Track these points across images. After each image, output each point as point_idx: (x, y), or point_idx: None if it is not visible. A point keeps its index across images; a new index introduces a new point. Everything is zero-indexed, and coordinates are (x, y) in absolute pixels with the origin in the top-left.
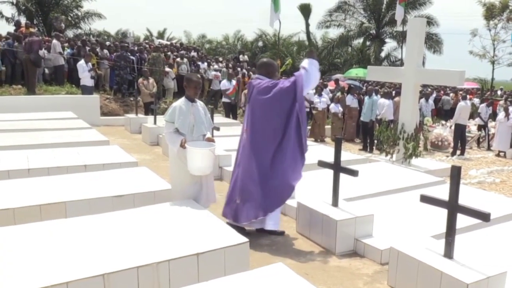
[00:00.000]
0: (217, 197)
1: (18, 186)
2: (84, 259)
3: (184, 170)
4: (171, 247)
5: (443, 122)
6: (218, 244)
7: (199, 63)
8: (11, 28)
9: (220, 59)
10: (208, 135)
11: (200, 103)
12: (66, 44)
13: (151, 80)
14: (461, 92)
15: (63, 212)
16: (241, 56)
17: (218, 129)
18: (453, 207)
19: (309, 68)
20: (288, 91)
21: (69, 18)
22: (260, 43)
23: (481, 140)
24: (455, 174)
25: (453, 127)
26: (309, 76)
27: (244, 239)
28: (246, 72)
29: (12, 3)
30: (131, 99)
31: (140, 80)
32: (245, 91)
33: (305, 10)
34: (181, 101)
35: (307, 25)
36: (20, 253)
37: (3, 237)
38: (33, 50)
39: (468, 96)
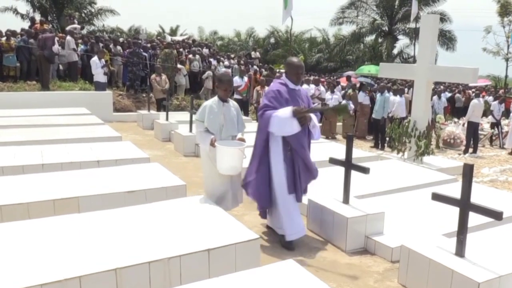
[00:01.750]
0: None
1: (32, 181)
2: (97, 254)
3: (214, 170)
4: (183, 242)
5: (456, 119)
6: (229, 240)
7: (211, 59)
8: (26, 25)
9: (232, 55)
10: (240, 136)
11: (233, 104)
12: (80, 41)
13: (164, 76)
14: (473, 90)
15: (76, 207)
16: (253, 53)
17: None
18: (465, 205)
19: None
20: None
21: (83, 15)
22: (272, 40)
23: (494, 138)
24: (468, 172)
25: (466, 125)
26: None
27: (255, 235)
28: (258, 69)
29: (27, 0)
30: (144, 95)
31: (153, 76)
32: (257, 87)
33: None
34: (213, 100)
35: None
36: (34, 247)
37: (18, 231)
38: (46, 47)
39: (481, 94)
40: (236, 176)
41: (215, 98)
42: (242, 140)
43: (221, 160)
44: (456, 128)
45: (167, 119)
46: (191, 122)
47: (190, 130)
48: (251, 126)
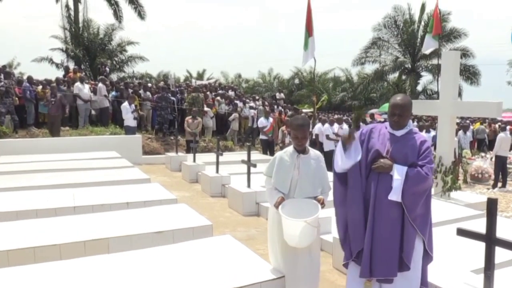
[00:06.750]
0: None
1: (64, 223)
2: None
3: (280, 237)
4: (209, 281)
5: (483, 154)
6: (254, 279)
7: (237, 101)
8: (60, 74)
9: (257, 97)
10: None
11: (314, 154)
12: (110, 87)
13: (198, 119)
14: (499, 124)
15: (106, 248)
16: (277, 93)
17: (255, 165)
18: (490, 240)
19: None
20: None
21: (114, 62)
22: (297, 81)
23: None
24: (492, 206)
25: (493, 159)
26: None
27: (280, 274)
28: (283, 109)
29: (62, 50)
30: (172, 138)
31: (188, 118)
32: (283, 127)
33: None
34: (286, 150)
35: None
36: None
37: (50, 272)
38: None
39: (508, 127)
40: (311, 251)
41: (290, 147)
42: (321, 201)
43: (284, 229)
44: (483, 163)
45: (194, 160)
46: (217, 163)
47: (217, 171)
48: None
